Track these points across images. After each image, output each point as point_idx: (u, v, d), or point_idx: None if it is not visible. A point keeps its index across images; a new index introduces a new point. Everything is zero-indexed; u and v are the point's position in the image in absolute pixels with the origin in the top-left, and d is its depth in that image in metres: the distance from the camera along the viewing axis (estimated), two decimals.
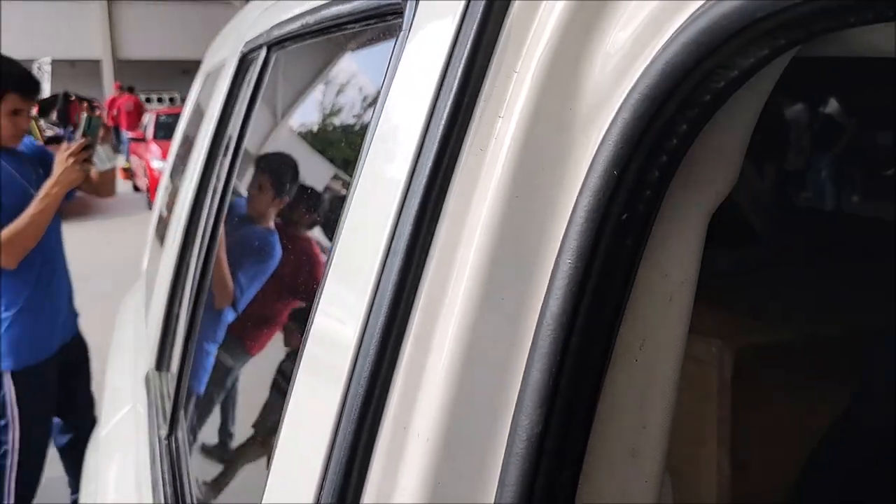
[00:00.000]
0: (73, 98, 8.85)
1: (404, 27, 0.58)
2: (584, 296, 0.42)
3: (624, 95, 0.42)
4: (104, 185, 2.58)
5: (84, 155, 2.22)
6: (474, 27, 0.48)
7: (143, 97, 15.33)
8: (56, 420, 2.51)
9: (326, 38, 0.91)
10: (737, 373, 0.94)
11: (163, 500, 0.99)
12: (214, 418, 1.10)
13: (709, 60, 0.38)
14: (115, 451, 1.45)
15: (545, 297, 0.44)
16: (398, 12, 0.61)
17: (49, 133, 6.32)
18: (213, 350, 1.19)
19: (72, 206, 2.57)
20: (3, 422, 2.31)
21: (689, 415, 0.98)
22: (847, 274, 1.16)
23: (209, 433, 1.09)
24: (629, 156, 0.41)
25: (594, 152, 0.43)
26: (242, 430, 0.98)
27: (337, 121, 0.92)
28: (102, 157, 2.45)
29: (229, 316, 1.19)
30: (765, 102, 0.46)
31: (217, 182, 1.28)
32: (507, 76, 0.47)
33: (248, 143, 1.19)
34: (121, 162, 9.17)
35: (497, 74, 0.47)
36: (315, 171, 0.97)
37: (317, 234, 0.86)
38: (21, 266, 2.21)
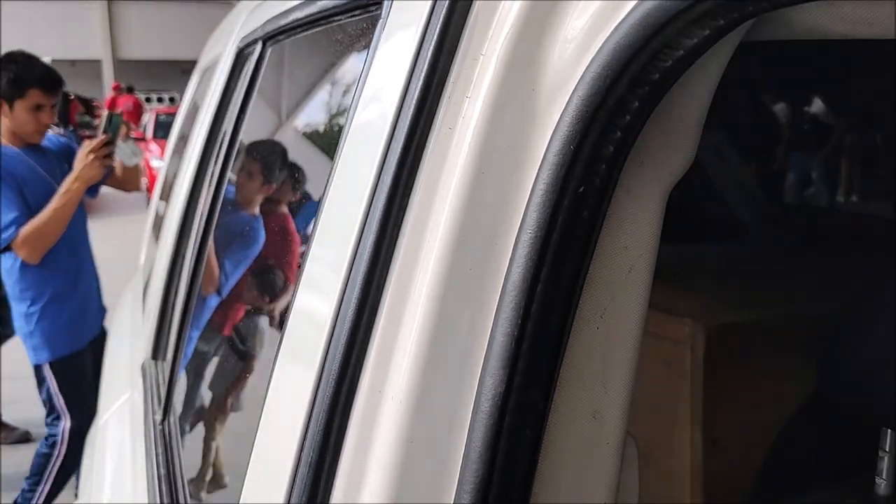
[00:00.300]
0: (73, 98, 8.89)
1: (382, 17, 0.61)
2: (544, 265, 0.45)
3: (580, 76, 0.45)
4: (129, 180, 2.64)
5: (104, 151, 2.26)
6: (443, 14, 0.51)
7: (142, 97, 15.36)
8: None
9: (317, 31, 0.94)
10: (709, 352, 0.97)
11: (156, 482, 1.02)
12: (204, 399, 1.13)
13: (655, 40, 0.41)
14: (114, 437, 1.48)
15: (508, 267, 0.47)
16: (378, 3, 0.64)
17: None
18: (202, 336, 1.22)
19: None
20: (53, 415, 2.35)
21: (663, 393, 1.01)
22: (816, 260, 1.19)
23: (199, 413, 1.12)
24: (584, 131, 0.44)
25: (553, 129, 0.46)
26: (227, 402, 1.01)
27: (324, 108, 0.96)
28: (128, 153, 2.49)
29: (214, 301, 1.22)
30: (716, 87, 0.49)
31: (212, 176, 1.30)
32: (474, 59, 0.50)
33: (243, 134, 1.21)
34: None
35: (465, 58, 0.50)
36: (302, 157, 1.00)
37: (300, 217, 0.89)
38: (46, 260, 2.24)
